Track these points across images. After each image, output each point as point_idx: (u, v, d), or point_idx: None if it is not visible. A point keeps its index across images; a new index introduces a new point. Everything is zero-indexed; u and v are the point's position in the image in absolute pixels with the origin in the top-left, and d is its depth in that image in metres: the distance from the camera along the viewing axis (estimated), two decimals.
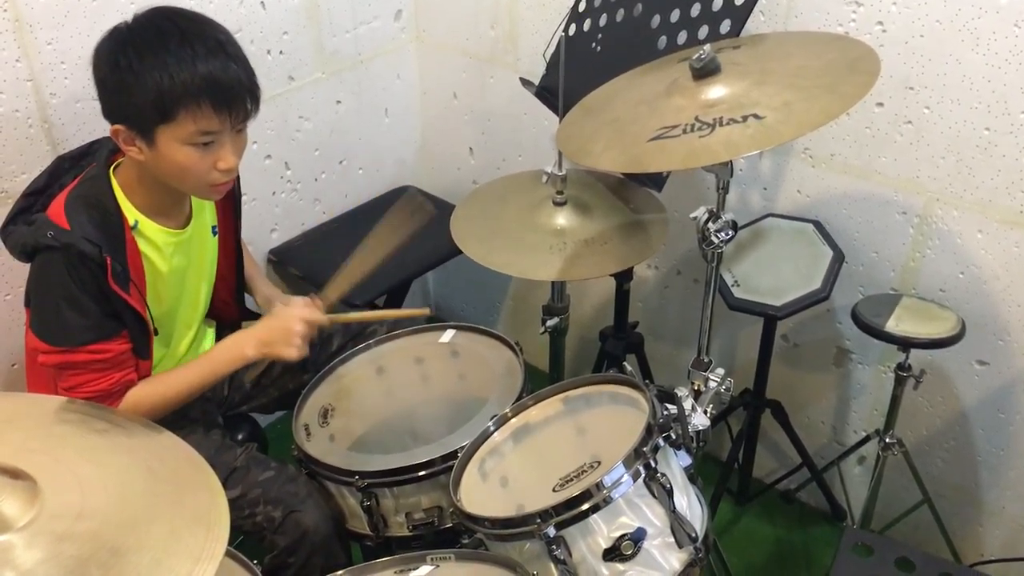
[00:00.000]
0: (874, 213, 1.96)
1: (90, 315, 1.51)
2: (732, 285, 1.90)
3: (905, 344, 1.80)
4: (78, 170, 1.62)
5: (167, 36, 1.45)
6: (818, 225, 2.00)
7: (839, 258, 1.93)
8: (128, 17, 1.50)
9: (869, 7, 1.79)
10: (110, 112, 1.51)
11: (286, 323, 1.62)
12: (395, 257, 2.34)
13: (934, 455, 2.10)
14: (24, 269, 1.59)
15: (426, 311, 1.86)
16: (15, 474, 1.00)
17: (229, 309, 1.87)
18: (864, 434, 2.12)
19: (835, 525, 2.31)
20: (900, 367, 1.87)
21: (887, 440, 1.96)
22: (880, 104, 1.85)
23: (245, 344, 1.63)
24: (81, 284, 1.49)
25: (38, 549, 0.94)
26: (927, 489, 2.02)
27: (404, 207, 1.79)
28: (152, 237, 1.59)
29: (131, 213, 1.56)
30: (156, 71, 1.43)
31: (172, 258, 1.64)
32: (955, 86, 1.75)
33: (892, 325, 1.80)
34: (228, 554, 1.42)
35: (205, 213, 1.72)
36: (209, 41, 1.47)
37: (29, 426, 1.18)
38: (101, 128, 1.58)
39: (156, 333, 1.63)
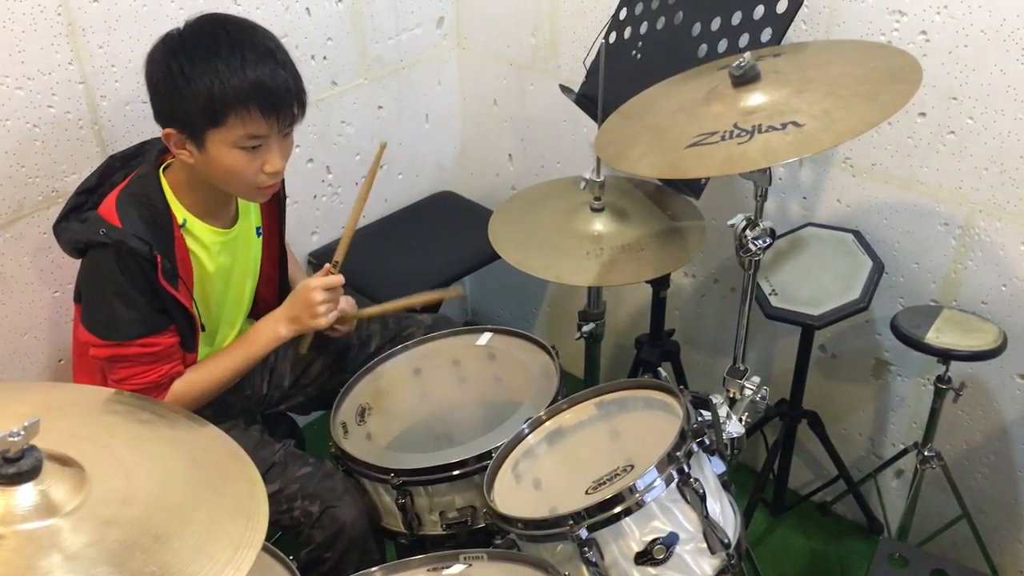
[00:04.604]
0: (915, 224, 1.94)
1: (140, 310, 1.55)
2: (770, 294, 1.90)
3: (945, 356, 1.78)
4: (128, 169, 1.67)
5: (218, 43, 1.48)
6: (858, 235, 1.99)
7: (879, 268, 1.92)
8: (177, 22, 1.54)
9: (912, 16, 1.78)
10: (162, 116, 1.55)
11: (306, 295, 1.67)
12: (435, 260, 2.37)
13: (973, 469, 2.07)
14: (72, 268, 1.63)
15: (459, 291, 1.89)
16: (64, 461, 1.03)
17: (272, 308, 1.89)
18: (902, 447, 2.10)
19: (871, 538, 2.28)
20: (940, 379, 1.85)
21: (926, 453, 1.94)
22: (923, 114, 1.84)
23: (277, 324, 1.69)
24: (131, 280, 1.53)
25: (84, 533, 0.97)
26: (966, 504, 1.99)
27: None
28: (200, 236, 1.63)
29: (180, 212, 1.60)
30: (207, 76, 1.46)
31: (218, 257, 1.68)
32: (999, 96, 1.73)
33: (932, 337, 1.78)
34: (265, 549, 1.45)
35: (250, 214, 1.76)
36: (259, 48, 1.51)
37: (77, 415, 1.21)
38: (149, 130, 1.62)
39: (203, 329, 1.67)
